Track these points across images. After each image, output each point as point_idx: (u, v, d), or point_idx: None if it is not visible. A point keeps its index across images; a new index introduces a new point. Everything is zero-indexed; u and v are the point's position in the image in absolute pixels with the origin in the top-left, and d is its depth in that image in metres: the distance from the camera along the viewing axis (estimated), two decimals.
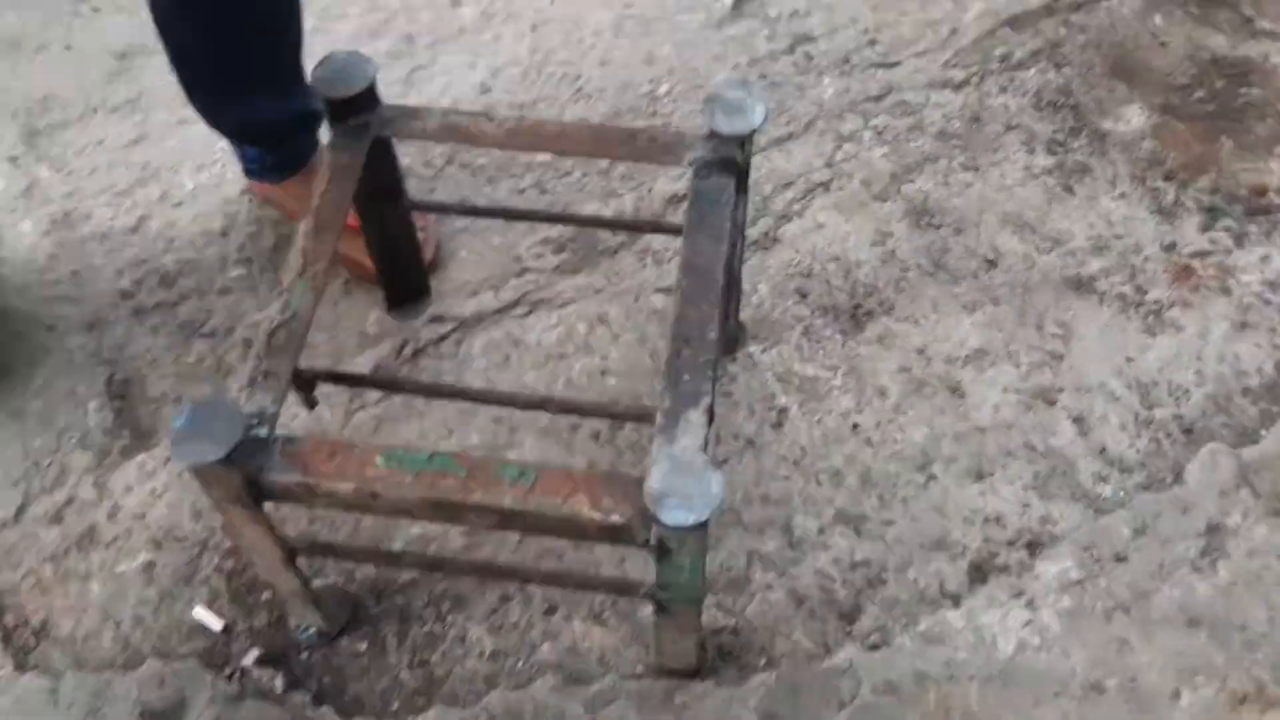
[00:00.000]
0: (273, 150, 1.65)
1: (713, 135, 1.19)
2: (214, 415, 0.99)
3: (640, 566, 1.34)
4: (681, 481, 0.96)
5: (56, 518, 1.45)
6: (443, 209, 1.36)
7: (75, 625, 1.36)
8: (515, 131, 1.20)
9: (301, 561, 1.21)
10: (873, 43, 1.93)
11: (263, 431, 1.02)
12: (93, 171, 1.80)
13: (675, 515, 0.95)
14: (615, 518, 0.99)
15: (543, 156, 1.76)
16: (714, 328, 1.09)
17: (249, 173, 1.73)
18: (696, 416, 1.03)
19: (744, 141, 1.19)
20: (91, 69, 1.93)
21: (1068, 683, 1.28)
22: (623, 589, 1.19)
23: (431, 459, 1.02)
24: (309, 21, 1.97)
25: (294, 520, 1.41)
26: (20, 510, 1.45)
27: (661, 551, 1.01)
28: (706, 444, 1.02)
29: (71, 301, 1.64)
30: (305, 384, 1.21)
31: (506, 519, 1.02)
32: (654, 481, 0.96)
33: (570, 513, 0.99)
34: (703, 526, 0.96)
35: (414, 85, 1.90)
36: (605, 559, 1.39)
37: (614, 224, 1.43)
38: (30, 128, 1.86)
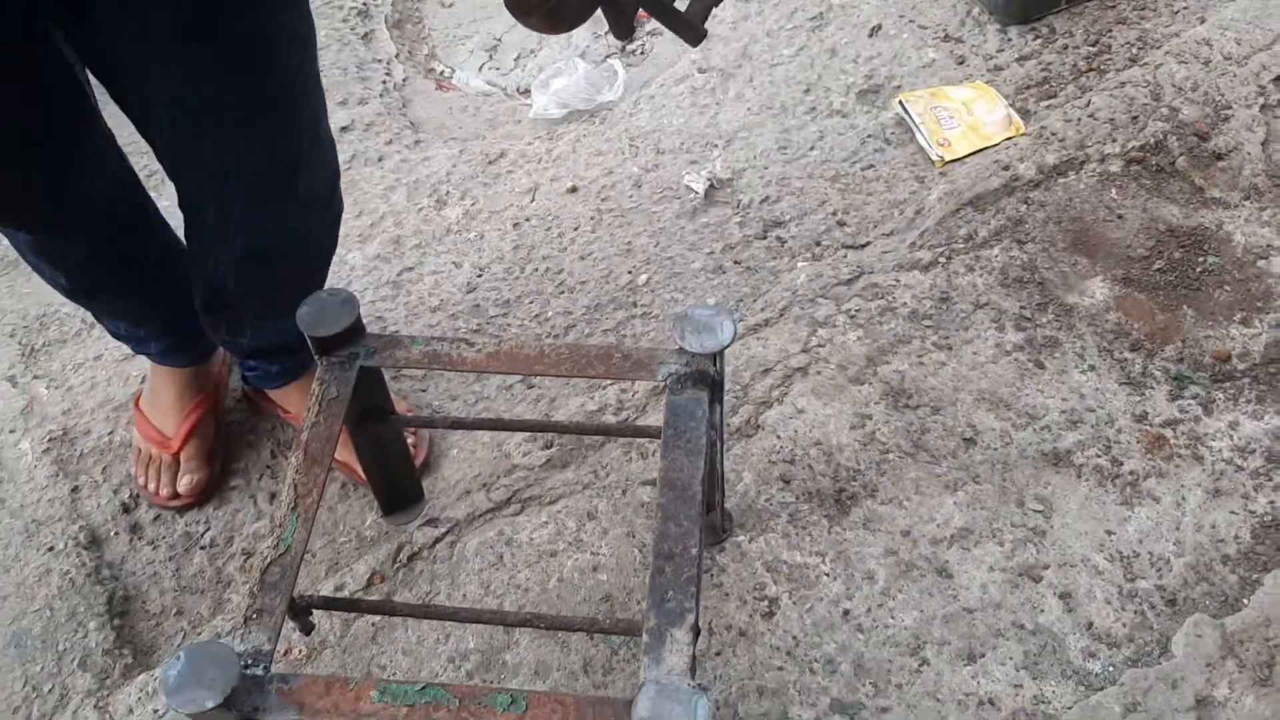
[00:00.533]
0: (279, 362, 1.70)
1: (684, 352, 1.24)
2: (209, 660, 1.02)
3: None
4: (669, 708, 0.98)
5: None
6: (429, 424, 1.41)
7: None
8: (494, 356, 1.25)
9: None
10: (841, 224, 2.01)
11: (258, 671, 1.05)
12: (91, 387, 1.85)
13: None
14: None
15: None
16: (695, 543, 1.13)
17: (248, 380, 1.78)
18: (681, 635, 1.06)
19: (716, 357, 1.24)
20: None
21: None
22: None
23: (424, 690, 1.04)
24: None
25: None
26: None
27: None
28: (693, 664, 1.05)
29: (71, 520, 1.68)
30: (301, 612, 1.24)
31: None
32: (641, 709, 0.98)
33: None
34: None
35: (402, 287, 1.97)
36: None
37: (595, 430, 1.48)
38: (28, 346, 1.92)
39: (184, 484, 1.68)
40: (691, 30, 1.19)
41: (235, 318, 1.57)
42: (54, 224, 1.39)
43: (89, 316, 1.94)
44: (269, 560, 1.13)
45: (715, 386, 1.25)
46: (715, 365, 1.25)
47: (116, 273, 1.52)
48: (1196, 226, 1.91)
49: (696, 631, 1.08)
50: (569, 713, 1.02)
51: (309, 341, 1.25)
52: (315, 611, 1.47)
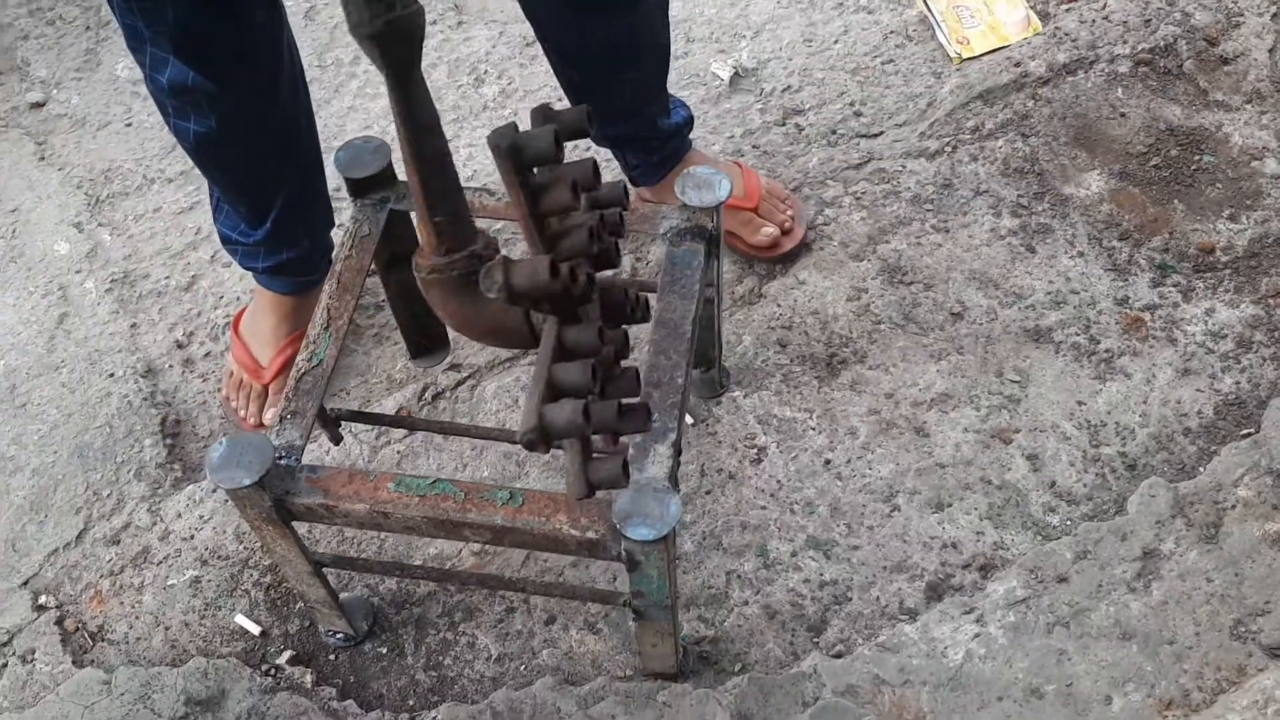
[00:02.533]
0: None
1: (685, 207, 1.36)
2: (247, 447, 1.17)
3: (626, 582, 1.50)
4: (645, 504, 1.13)
5: (114, 540, 1.64)
6: None
7: (129, 629, 1.55)
8: (510, 205, 1.38)
9: (331, 576, 1.39)
10: (858, 114, 2.11)
11: (290, 461, 1.20)
12: (150, 236, 2.00)
13: (638, 532, 1.11)
14: (590, 534, 1.16)
15: None
16: (682, 373, 1.26)
17: (635, 181, 1.94)
18: (663, 450, 1.20)
19: (713, 213, 1.36)
20: (149, 143, 2.14)
21: (1009, 688, 1.42)
22: (605, 599, 1.35)
23: (435, 484, 1.20)
24: (346, 100, 2.19)
25: (325, 540, 1.60)
26: (81, 534, 1.65)
27: (631, 563, 1.18)
28: (673, 473, 1.19)
29: (130, 352, 1.84)
30: (330, 422, 1.39)
31: (499, 535, 1.19)
32: (621, 504, 1.13)
33: (552, 530, 1.16)
34: (663, 541, 1.12)
35: None
36: (599, 575, 1.56)
37: (604, 283, 1.61)
38: (94, 197, 2.07)
39: (270, 416, 1.73)
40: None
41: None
42: (240, 35, 1.39)
43: (149, 171, 2.09)
44: (303, 371, 1.28)
45: (712, 240, 1.38)
46: (713, 220, 1.38)
47: (262, 130, 1.52)
48: (1196, 127, 2.00)
49: (678, 450, 1.23)
50: (560, 507, 1.17)
51: (345, 183, 1.38)
52: (347, 436, 1.63)
